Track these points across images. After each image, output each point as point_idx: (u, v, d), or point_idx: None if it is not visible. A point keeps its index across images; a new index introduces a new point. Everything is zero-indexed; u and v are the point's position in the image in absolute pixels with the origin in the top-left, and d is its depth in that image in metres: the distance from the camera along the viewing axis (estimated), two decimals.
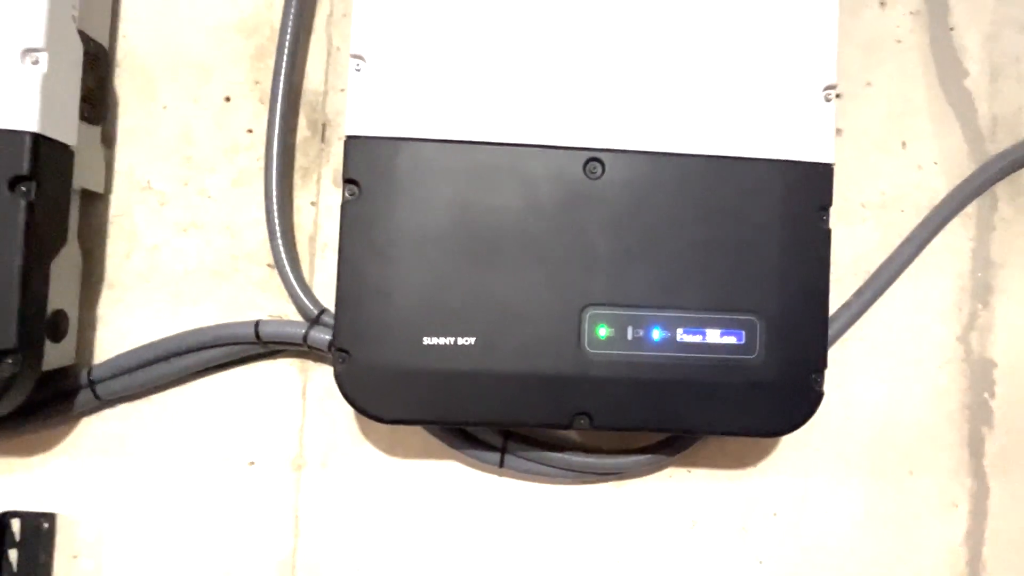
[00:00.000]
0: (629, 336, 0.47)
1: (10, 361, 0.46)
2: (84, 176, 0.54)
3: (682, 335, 0.48)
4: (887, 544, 0.61)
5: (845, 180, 0.61)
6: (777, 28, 0.49)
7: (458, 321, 0.46)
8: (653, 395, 0.47)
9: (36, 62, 0.46)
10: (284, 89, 0.55)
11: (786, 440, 0.60)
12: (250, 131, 0.58)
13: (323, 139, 0.59)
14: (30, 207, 0.46)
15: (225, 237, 0.58)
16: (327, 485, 0.57)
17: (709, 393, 0.48)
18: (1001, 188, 0.63)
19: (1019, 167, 0.63)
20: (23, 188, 0.46)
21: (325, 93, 0.59)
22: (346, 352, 0.47)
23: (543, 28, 0.48)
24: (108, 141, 0.57)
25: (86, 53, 0.52)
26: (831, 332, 0.58)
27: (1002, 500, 0.62)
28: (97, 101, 0.55)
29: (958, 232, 0.62)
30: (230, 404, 0.57)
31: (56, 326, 0.51)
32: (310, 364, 0.58)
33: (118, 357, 0.55)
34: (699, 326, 0.48)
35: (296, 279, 0.54)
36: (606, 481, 0.58)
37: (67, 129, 0.49)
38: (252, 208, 0.58)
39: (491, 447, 0.56)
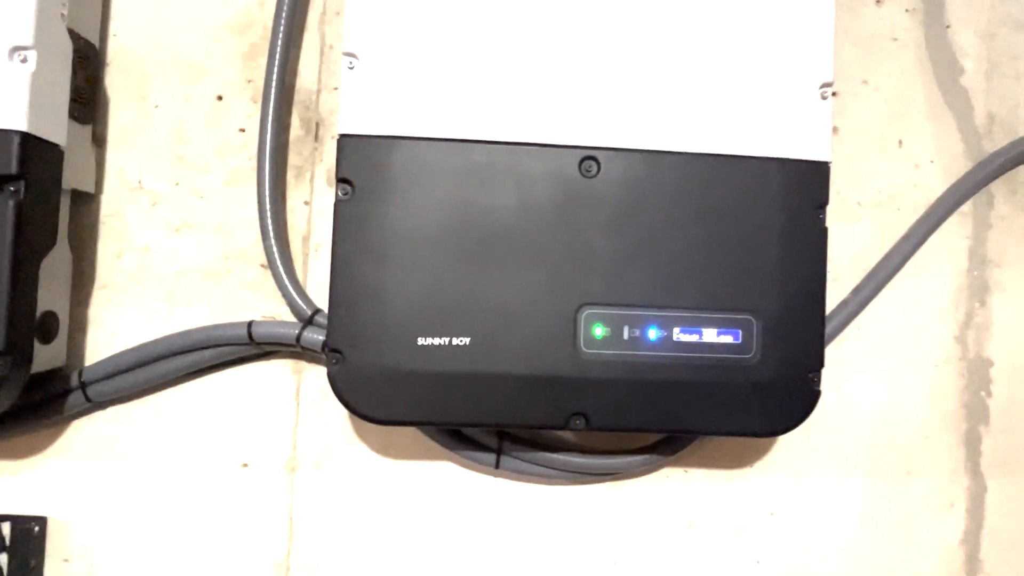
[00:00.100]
0: (625, 336, 0.47)
1: None
2: (74, 176, 0.53)
3: (679, 335, 0.47)
4: (885, 544, 0.60)
5: (842, 179, 0.61)
6: (773, 25, 0.49)
7: (453, 321, 0.46)
8: (649, 395, 0.47)
9: (24, 60, 0.45)
10: (277, 88, 0.54)
11: (783, 440, 0.60)
12: (243, 130, 0.58)
13: (316, 138, 0.59)
14: (19, 207, 0.45)
15: (218, 237, 0.57)
16: (321, 487, 0.57)
17: (706, 393, 0.47)
18: (998, 186, 0.63)
19: (1016, 165, 0.63)
20: (11, 188, 0.45)
21: (318, 92, 0.59)
22: (339, 353, 0.46)
23: (538, 25, 0.48)
24: (99, 141, 0.57)
25: (76, 51, 0.52)
26: (828, 331, 0.58)
27: (1000, 499, 0.61)
28: (88, 100, 0.55)
29: (955, 230, 0.62)
30: (223, 406, 0.57)
31: (46, 327, 0.51)
32: (304, 365, 0.57)
33: (109, 359, 0.55)
34: (696, 325, 0.47)
35: (289, 279, 0.54)
36: (602, 482, 0.58)
37: (56, 128, 0.49)
38: (245, 208, 0.57)
39: (486, 448, 0.55)
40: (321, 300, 0.54)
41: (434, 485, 0.57)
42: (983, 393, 0.62)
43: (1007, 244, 0.62)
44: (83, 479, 0.56)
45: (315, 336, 0.52)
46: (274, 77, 0.54)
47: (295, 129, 0.58)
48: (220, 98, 0.58)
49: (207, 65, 0.58)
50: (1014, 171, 0.63)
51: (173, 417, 0.56)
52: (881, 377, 0.61)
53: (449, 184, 0.46)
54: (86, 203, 0.57)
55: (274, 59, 0.54)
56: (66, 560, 0.55)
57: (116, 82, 0.57)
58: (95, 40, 0.56)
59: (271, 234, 0.54)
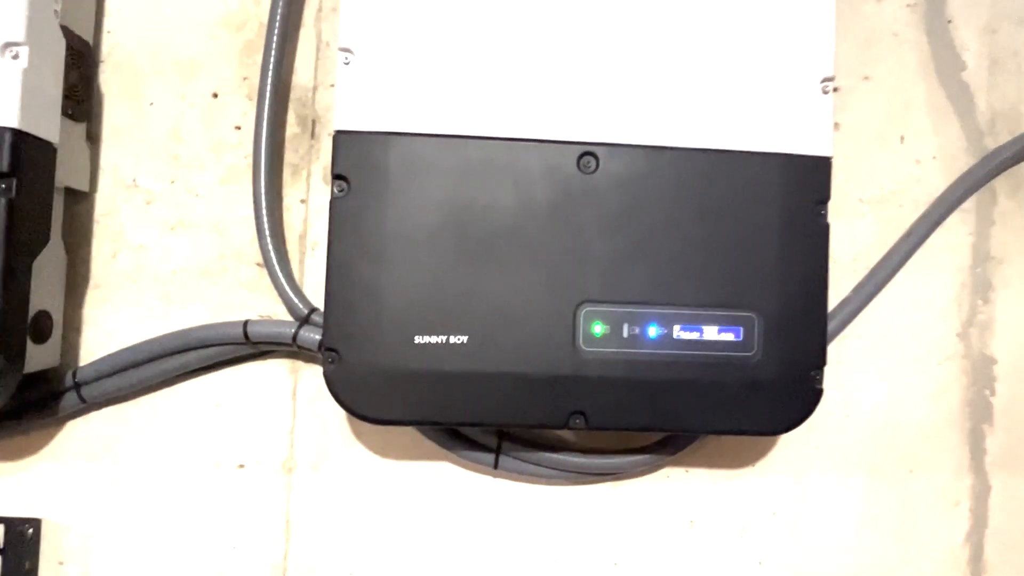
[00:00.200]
0: (625, 334, 0.46)
1: None
2: (68, 174, 0.53)
3: (679, 332, 0.47)
4: (888, 544, 0.60)
5: (843, 175, 0.60)
6: (774, 20, 0.48)
7: (450, 319, 0.45)
8: (649, 394, 0.46)
9: (16, 56, 0.45)
10: (272, 85, 0.54)
11: (785, 439, 0.59)
12: (238, 128, 0.57)
13: (313, 135, 0.58)
14: (10, 205, 0.45)
15: (213, 236, 0.57)
16: (319, 488, 0.56)
17: (706, 391, 0.47)
18: (1000, 182, 0.62)
19: (1018, 161, 0.62)
20: (3, 185, 0.45)
21: (314, 89, 0.58)
22: (336, 352, 0.46)
23: (535, 19, 0.47)
24: (93, 139, 0.56)
25: (70, 49, 0.51)
26: (830, 328, 0.57)
27: (1004, 498, 0.61)
28: (82, 98, 0.54)
29: (957, 227, 0.62)
30: (219, 406, 0.56)
31: (40, 327, 0.50)
32: (300, 365, 0.57)
33: (104, 359, 0.54)
34: (696, 323, 0.47)
35: (285, 278, 0.53)
36: (603, 482, 0.57)
37: (49, 125, 0.48)
38: (241, 206, 0.57)
39: (485, 448, 0.55)
40: (318, 299, 0.53)
41: (432, 486, 0.57)
42: (986, 391, 0.61)
43: (1010, 241, 0.62)
44: (78, 481, 0.55)
45: (312, 335, 0.52)
46: (269, 74, 0.54)
47: (291, 126, 0.58)
48: (215, 95, 0.57)
49: (202, 62, 0.57)
50: (1017, 167, 0.62)
51: (168, 418, 0.56)
52: (883, 375, 0.60)
53: (446, 181, 0.46)
54: (80, 202, 0.56)
55: (269, 56, 0.54)
56: (61, 563, 0.55)
57: (111, 80, 0.57)
58: (89, 37, 0.55)
59: (267, 233, 0.54)
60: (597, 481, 0.57)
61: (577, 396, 0.46)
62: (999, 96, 0.63)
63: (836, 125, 0.61)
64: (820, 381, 0.48)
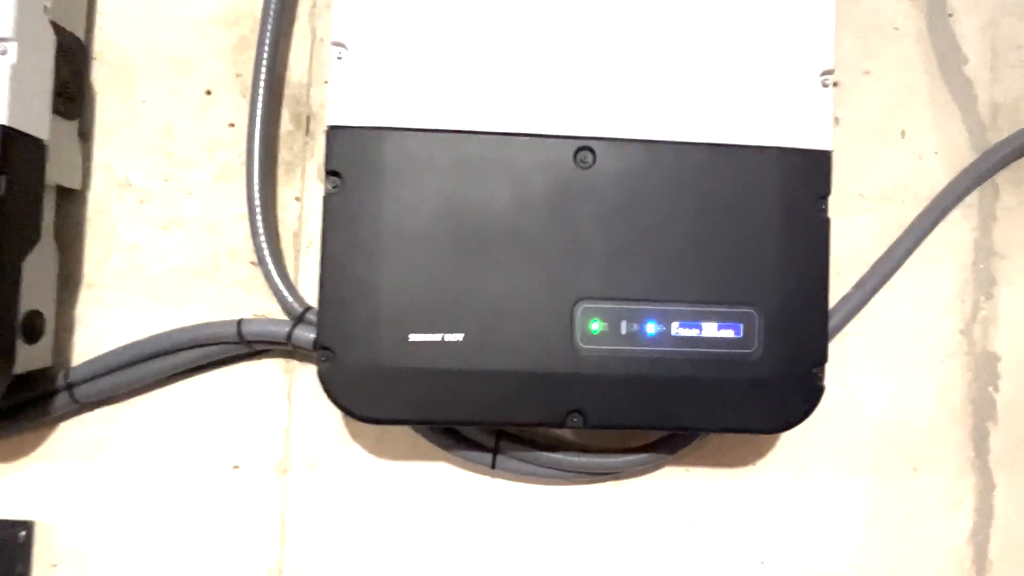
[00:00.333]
0: (623, 331, 0.46)
1: None
2: (60, 172, 0.52)
3: (678, 329, 0.46)
4: (891, 543, 0.59)
5: (844, 170, 0.60)
6: (773, 12, 0.48)
7: (445, 317, 0.45)
8: (648, 392, 0.46)
9: (4, 52, 0.44)
10: (266, 81, 0.53)
11: (786, 437, 0.58)
12: (232, 125, 0.57)
13: (307, 132, 0.58)
14: None
15: (207, 234, 0.56)
16: (314, 489, 0.56)
17: (706, 389, 0.46)
18: (1003, 177, 0.62)
19: (1021, 155, 0.61)
20: None
21: (309, 85, 0.58)
22: (330, 350, 0.45)
23: (531, 11, 0.46)
24: (85, 136, 0.56)
25: (61, 45, 0.51)
26: (831, 325, 0.56)
27: (1008, 497, 0.60)
28: (73, 95, 0.54)
29: (960, 223, 0.61)
30: (213, 406, 0.55)
31: (31, 327, 0.50)
32: (295, 364, 0.56)
33: (97, 359, 0.53)
34: (695, 319, 0.46)
35: (280, 276, 0.53)
36: (602, 481, 0.57)
37: (39, 122, 0.48)
38: (235, 204, 0.56)
39: (482, 447, 0.54)
40: (313, 297, 0.53)
41: (429, 486, 0.56)
42: (990, 388, 0.60)
43: (1013, 236, 0.61)
44: (70, 482, 0.55)
45: (306, 334, 0.51)
46: (263, 70, 0.53)
47: (285, 123, 0.57)
48: (209, 93, 0.57)
49: (195, 59, 0.57)
50: (1019, 161, 0.62)
51: (162, 418, 0.55)
52: (886, 373, 0.60)
53: (441, 176, 0.45)
54: (72, 200, 0.55)
55: (263, 52, 0.53)
56: (54, 565, 0.54)
57: (103, 77, 0.56)
58: (81, 34, 0.55)
59: (261, 231, 0.53)
60: (596, 481, 0.57)
61: (575, 394, 0.45)
62: (1001, 90, 0.62)
63: (836, 120, 0.60)
64: (821, 378, 0.47)
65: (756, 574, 0.58)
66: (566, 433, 0.57)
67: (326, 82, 0.58)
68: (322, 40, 0.58)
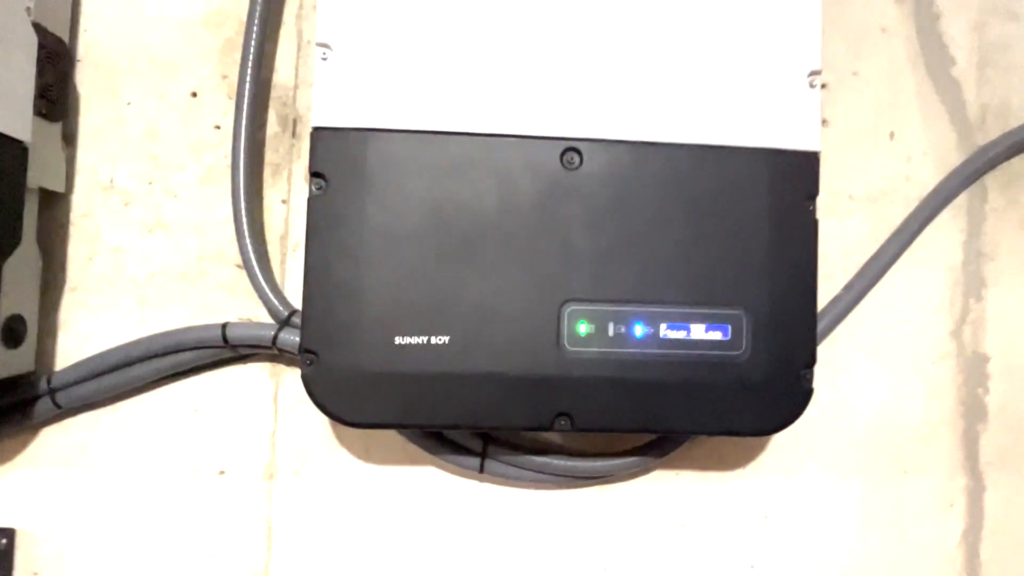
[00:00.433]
0: (610, 333, 0.45)
1: None
2: (43, 175, 0.52)
3: (665, 331, 0.46)
4: (882, 546, 0.59)
5: (833, 172, 0.60)
6: (759, 12, 0.47)
7: (431, 319, 0.44)
8: (636, 394, 0.45)
9: None
10: (252, 83, 0.53)
11: (776, 440, 0.58)
12: (218, 127, 0.56)
13: (294, 135, 0.57)
14: None
15: (192, 237, 0.56)
16: (301, 494, 0.55)
17: (694, 391, 0.46)
18: (991, 178, 0.62)
19: (1010, 156, 0.61)
20: None
21: (296, 87, 0.57)
22: (314, 353, 0.44)
23: (517, 11, 0.46)
24: (69, 139, 0.55)
25: (44, 47, 0.50)
26: (821, 328, 0.56)
27: (999, 499, 0.60)
28: (57, 97, 0.53)
29: (949, 224, 0.61)
30: (198, 411, 0.55)
31: (12, 331, 0.49)
32: (282, 368, 0.55)
33: (79, 363, 0.53)
34: (683, 321, 0.46)
35: (265, 279, 0.52)
36: (591, 485, 0.56)
37: (20, 124, 0.47)
38: (220, 207, 0.56)
39: (470, 452, 0.53)
40: (299, 301, 0.52)
41: (417, 491, 0.56)
42: (980, 390, 0.60)
43: (1002, 237, 0.61)
44: (53, 489, 0.54)
45: (292, 337, 0.50)
46: (248, 72, 0.53)
47: (272, 126, 0.57)
48: (195, 94, 0.56)
49: (181, 61, 0.56)
50: (1008, 163, 0.62)
51: (146, 424, 0.55)
52: (876, 375, 0.59)
53: (426, 178, 0.45)
54: (56, 203, 0.55)
55: (248, 53, 0.53)
56: (35, 573, 0.53)
57: (87, 79, 0.56)
58: (65, 36, 0.54)
59: (246, 233, 0.52)
60: (585, 485, 0.56)
61: (562, 397, 0.45)
62: (989, 91, 0.62)
63: (825, 121, 0.60)
64: (810, 380, 0.47)
65: None
66: (554, 437, 0.56)
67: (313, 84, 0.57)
68: (309, 42, 0.58)
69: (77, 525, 0.54)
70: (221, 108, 0.56)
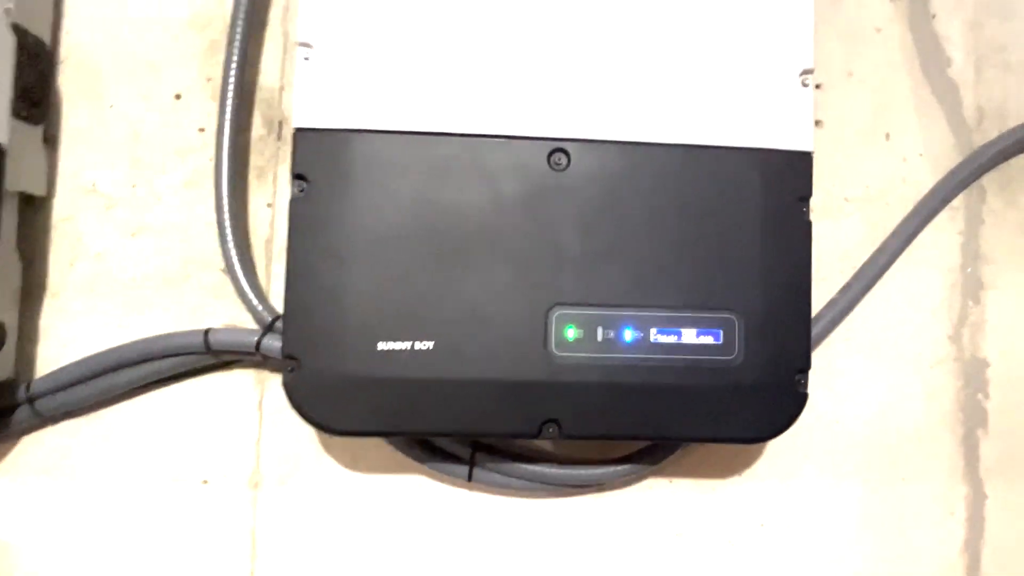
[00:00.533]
0: (599, 337, 0.44)
1: None
2: (22, 178, 0.51)
3: (656, 335, 0.45)
4: (880, 555, 0.57)
5: (828, 173, 0.59)
6: (751, 11, 0.47)
7: (415, 324, 0.43)
8: (626, 400, 0.44)
9: None
10: (235, 85, 0.52)
11: (771, 446, 0.57)
12: (202, 130, 0.55)
13: (279, 137, 0.56)
14: None
15: (176, 242, 0.55)
16: (286, 503, 0.54)
17: (686, 397, 0.45)
18: (989, 179, 0.61)
19: (1007, 157, 0.61)
20: None
21: (281, 89, 0.56)
22: (296, 359, 0.43)
23: (504, 9, 0.45)
24: (51, 142, 0.54)
25: (24, 48, 0.49)
26: (816, 331, 0.55)
27: (1001, 507, 0.59)
28: (38, 99, 0.52)
29: (946, 226, 0.60)
30: (181, 419, 0.54)
31: None
32: (266, 375, 0.54)
33: (60, 370, 0.52)
34: (674, 325, 0.45)
35: (249, 284, 0.51)
36: (582, 494, 0.55)
37: None
38: (205, 211, 0.55)
39: (459, 460, 0.52)
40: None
41: (405, 500, 0.54)
42: (980, 395, 0.59)
43: (1000, 239, 0.60)
44: (31, 499, 0.53)
45: (276, 343, 0.49)
46: (232, 73, 0.52)
47: (257, 128, 0.56)
48: (178, 97, 0.56)
49: (165, 63, 0.56)
50: (1006, 164, 0.61)
51: (128, 432, 0.53)
52: (873, 379, 0.58)
53: (411, 179, 0.44)
54: (37, 207, 0.54)
55: (232, 54, 0.52)
56: None
57: (69, 81, 0.55)
58: (47, 37, 0.54)
59: (230, 237, 0.52)
60: (576, 493, 0.55)
61: (550, 404, 0.44)
62: (985, 92, 0.61)
63: (819, 122, 0.59)
64: (805, 385, 0.46)
65: None
66: (545, 444, 0.55)
67: None
68: (294, 44, 0.57)
69: (57, 535, 0.53)
70: (205, 110, 0.56)
